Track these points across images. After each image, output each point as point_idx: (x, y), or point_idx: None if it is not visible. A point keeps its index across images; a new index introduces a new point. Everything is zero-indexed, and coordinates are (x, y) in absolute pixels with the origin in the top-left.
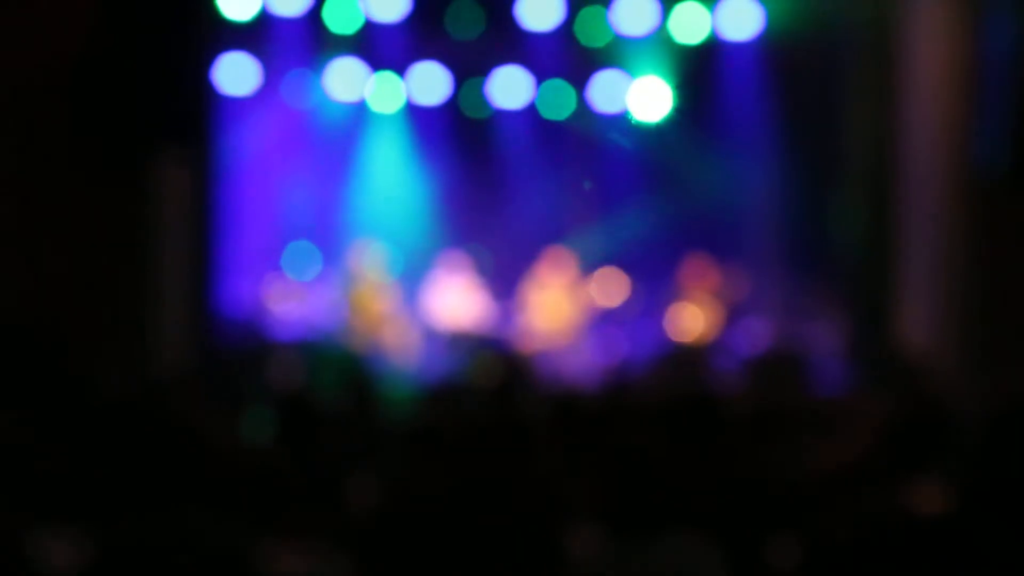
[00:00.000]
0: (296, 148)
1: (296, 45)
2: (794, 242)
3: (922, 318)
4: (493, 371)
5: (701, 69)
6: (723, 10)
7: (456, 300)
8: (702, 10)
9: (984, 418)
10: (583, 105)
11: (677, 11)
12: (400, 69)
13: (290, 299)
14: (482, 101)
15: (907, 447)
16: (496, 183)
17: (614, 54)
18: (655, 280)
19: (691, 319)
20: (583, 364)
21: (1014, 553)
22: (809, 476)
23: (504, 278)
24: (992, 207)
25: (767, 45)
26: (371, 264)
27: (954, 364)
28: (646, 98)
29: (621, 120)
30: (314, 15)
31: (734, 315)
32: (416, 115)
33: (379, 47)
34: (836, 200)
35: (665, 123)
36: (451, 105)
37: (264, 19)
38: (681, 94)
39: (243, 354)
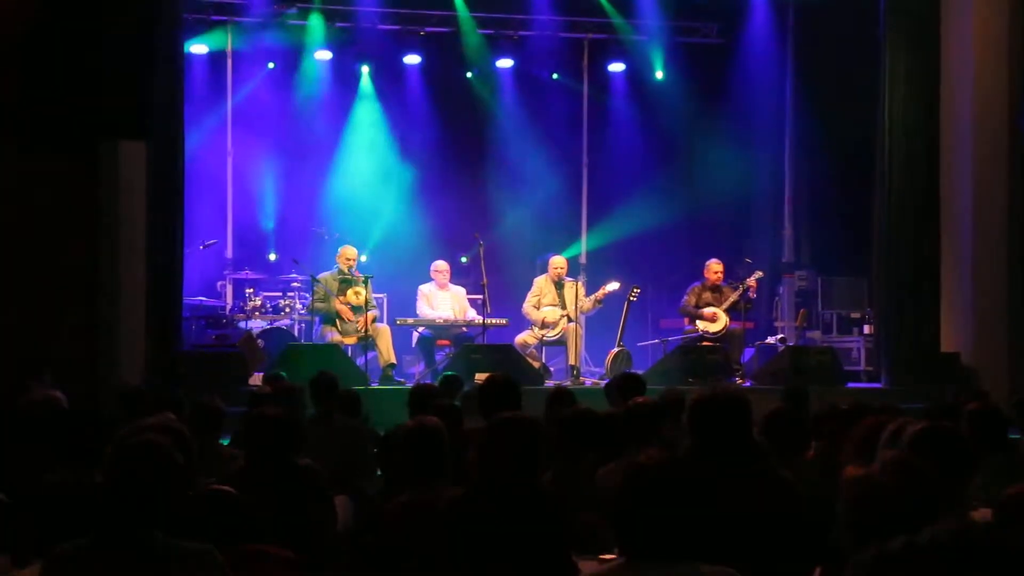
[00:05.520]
0: (270, 136)
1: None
2: (827, 230)
3: (965, 305)
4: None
5: (725, 30)
6: None
7: (444, 300)
8: None
9: None
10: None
11: None
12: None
13: (259, 299)
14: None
15: (958, 450)
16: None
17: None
18: (671, 275)
19: (709, 315)
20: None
21: None
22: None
23: (499, 280)
24: None
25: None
26: (350, 260)
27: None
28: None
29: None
30: None
31: (755, 309)
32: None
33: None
34: (874, 184)
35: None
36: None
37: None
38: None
39: (211, 355)
